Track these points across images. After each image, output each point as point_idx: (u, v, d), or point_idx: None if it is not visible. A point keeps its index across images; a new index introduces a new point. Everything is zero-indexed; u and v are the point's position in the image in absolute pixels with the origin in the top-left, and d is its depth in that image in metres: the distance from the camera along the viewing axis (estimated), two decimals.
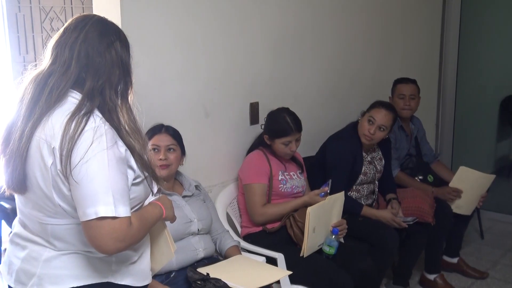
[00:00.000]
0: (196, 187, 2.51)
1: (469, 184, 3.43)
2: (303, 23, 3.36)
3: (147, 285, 1.66)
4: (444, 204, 3.35)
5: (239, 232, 2.87)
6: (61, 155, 1.40)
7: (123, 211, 1.41)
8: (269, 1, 3.10)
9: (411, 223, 3.01)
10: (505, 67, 5.12)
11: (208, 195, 2.62)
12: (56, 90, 1.46)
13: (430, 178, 3.56)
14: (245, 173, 2.82)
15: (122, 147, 1.47)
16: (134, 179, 1.52)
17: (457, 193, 3.41)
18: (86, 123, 1.42)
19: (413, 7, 4.33)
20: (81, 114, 1.43)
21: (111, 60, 1.51)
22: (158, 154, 2.33)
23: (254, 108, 3.08)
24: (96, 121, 1.44)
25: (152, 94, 2.55)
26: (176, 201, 2.37)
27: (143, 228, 1.53)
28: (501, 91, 5.29)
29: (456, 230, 3.49)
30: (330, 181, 2.77)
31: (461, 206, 3.43)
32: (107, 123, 1.46)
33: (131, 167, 1.50)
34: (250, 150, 2.93)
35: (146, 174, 1.55)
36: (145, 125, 2.43)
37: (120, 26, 2.32)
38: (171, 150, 2.37)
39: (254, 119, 3.09)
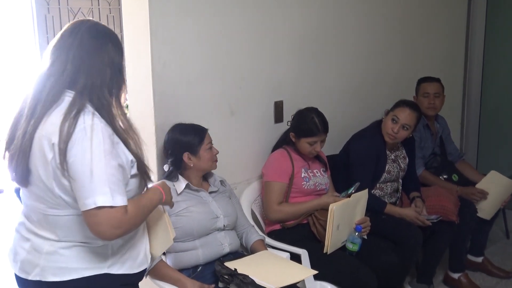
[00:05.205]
0: (221, 182, 2.57)
1: (496, 189, 3.41)
2: (327, 23, 3.38)
3: (144, 270, 1.78)
4: (469, 203, 3.34)
5: (264, 228, 2.91)
6: (59, 153, 1.52)
7: (120, 200, 1.53)
8: (294, 2, 3.13)
9: (435, 221, 3.01)
10: None
11: (233, 192, 2.67)
12: (52, 92, 1.59)
13: (454, 177, 3.55)
14: (267, 170, 2.87)
15: (117, 143, 1.59)
16: (131, 171, 1.64)
17: (483, 195, 3.39)
18: (76, 123, 1.54)
19: (437, 5, 4.30)
20: (72, 115, 1.55)
21: (101, 62, 1.63)
22: (214, 150, 2.48)
23: (278, 107, 3.11)
24: (87, 120, 1.55)
25: (179, 92, 2.60)
26: (203, 197, 2.44)
27: (141, 213, 1.65)
28: None
29: (481, 229, 3.47)
30: (358, 184, 2.77)
31: (483, 210, 3.40)
32: (102, 120, 1.58)
33: (129, 160, 1.62)
34: (275, 147, 2.97)
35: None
36: (169, 123, 2.51)
37: (148, 27, 2.42)
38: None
39: (278, 118, 3.12)
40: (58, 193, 1.58)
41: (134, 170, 1.65)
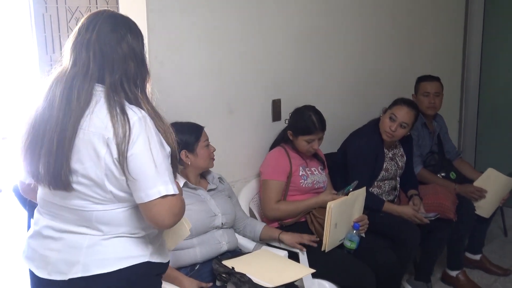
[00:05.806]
0: (219, 179, 2.59)
1: (493, 186, 3.41)
2: (326, 22, 3.38)
3: (168, 262, 1.78)
4: (467, 201, 3.34)
5: None
6: (118, 149, 1.50)
7: (177, 189, 1.57)
8: (293, 0, 3.13)
9: (433, 219, 3.01)
10: None
11: (233, 190, 2.69)
12: (83, 91, 1.55)
13: (452, 175, 3.56)
14: (264, 169, 2.88)
15: (159, 134, 1.59)
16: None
17: (481, 193, 3.40)
18: (128, 118, 1.52)
19: (437, 5, 4.31)
20: (118, 110, 1.52)
21: (123, 54, 1.59)
22: (211, 148, 2.50)
23: (276, 105, 3.12)
24: (137, 112, 1.54)
25: (177, 91, 2.61)
26: (202, 196, 2.44)
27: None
28: None
29: (479, 227, 3.47)
30: (356, 182, 2.78)
31: (482, 208, 3.41)
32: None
33: (168, 152, 1.62)
34: (273, 145, 2.98)
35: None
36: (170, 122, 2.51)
37: (145, 25, 2.42)
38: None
39: (276, 116, 3.13)
40: (109, 188, 1.55)
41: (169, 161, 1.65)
